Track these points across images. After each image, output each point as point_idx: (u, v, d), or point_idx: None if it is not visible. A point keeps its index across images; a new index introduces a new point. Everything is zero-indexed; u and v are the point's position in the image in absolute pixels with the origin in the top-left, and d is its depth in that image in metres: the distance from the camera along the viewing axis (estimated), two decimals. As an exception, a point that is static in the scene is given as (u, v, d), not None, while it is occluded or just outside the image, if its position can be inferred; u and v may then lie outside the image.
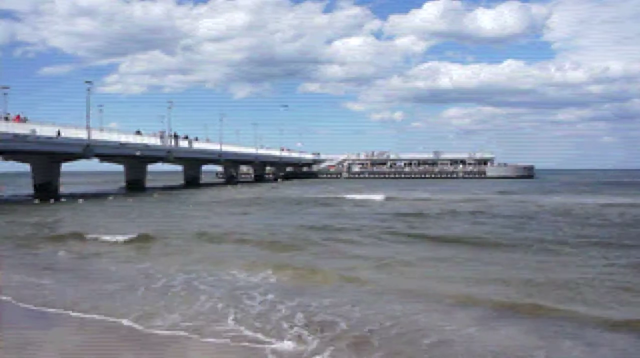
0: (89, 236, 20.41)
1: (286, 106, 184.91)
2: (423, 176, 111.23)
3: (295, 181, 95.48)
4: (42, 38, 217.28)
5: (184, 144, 69.36)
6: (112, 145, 54.42)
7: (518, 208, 34.26)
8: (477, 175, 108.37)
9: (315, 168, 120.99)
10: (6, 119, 43.18)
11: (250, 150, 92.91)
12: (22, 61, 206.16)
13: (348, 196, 47.31)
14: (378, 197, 46.38)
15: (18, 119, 44.31)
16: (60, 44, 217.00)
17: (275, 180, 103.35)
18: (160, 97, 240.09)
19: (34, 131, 43.82)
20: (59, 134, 46.42)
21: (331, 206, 36.68)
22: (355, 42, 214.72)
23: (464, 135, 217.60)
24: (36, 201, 40.27)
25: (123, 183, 66.48)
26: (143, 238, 19.73)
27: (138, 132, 62.18)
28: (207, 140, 79.83)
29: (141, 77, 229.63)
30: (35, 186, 50.75)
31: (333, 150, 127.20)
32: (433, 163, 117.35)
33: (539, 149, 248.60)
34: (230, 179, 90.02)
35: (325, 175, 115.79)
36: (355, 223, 25.34)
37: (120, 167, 67.65)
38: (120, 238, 19.40)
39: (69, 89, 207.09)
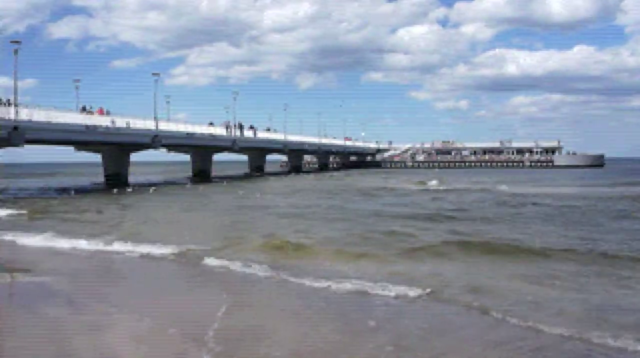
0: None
1: (340, 105, 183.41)
2: (489, 164, 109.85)
3: (359, 170, 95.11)
4: (113, 33, 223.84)
5: (248, 133, 69.70)
6: (179, 136, 55.46)
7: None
8: (544, 164, 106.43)
9: (379, 157, 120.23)
10: (83, 109, 44.66)
11: (314, 140, 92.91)
12: (94, 55, 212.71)
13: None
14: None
15: (101, 111, 45.90)
16: (130, 38, 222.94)
17: (339, 169, 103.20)
18: (226, 88, 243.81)
19: (113, 123, 45.42)
20: (128, 125, 47.77)
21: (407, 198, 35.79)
22: (420, 30, 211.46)
23: (531, 124, 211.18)
24: (114, 191, 41.20)
25: (190, 173, 67.53)
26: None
27: (211, 124, 63.01)
28: (273, 130, 79.99)
29: (208, 69, 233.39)
30: (106, 176, 52.30)
31: (397, 139, 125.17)
32: (499, 152, 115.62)
33: (609, 137, 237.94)
34: (294, 168, 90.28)
35: (389, 165, 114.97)
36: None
37: (186, 157, 68.88)
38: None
39: (138, 82, 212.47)
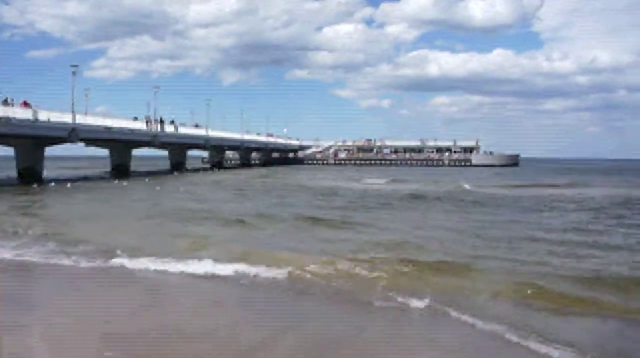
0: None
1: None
2: (408, 163, 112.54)
3: (282, 167, 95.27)
4: (29, 21, 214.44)
5: (170, 128, 68.79)
6: (97, 129, 53.50)
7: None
8: (462, 163, 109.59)
9: (301, 154, 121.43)
10: (5, 102, 42.59)
11: (237, 136, 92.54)
12: (9, 44, 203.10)
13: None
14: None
15: (24, 104, 43.98)
16: (48, 28, 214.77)
17: (262, 165, 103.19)
18: (148, 83, 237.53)
19: (35, 115, 43.52)
20: (37, 117, 45.69)
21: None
22: (345, 29, 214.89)
23: (451, 124, 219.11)
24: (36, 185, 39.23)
25: (108, 168, 65.67)
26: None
27: (135, 119, 62.17)
28: (196, 126, 79.35)
29: (129, 62, 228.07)
30: (19, 171, 50.05)
31: (320, 137, 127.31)
32: (419, 150, 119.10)
33: (525, 138, 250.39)
34: (216, 165, 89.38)
35: (311, 162, 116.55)
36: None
37: (105, 152, 67.06)
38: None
39: (56, 74, 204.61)
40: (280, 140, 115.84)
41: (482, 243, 15.74)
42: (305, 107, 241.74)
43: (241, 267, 12.19)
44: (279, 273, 11.80)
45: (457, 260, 13.03)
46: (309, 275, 11.70)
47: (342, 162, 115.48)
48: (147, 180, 50.47)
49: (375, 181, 51.90)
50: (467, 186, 44.15)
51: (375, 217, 22.06)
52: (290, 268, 11.96)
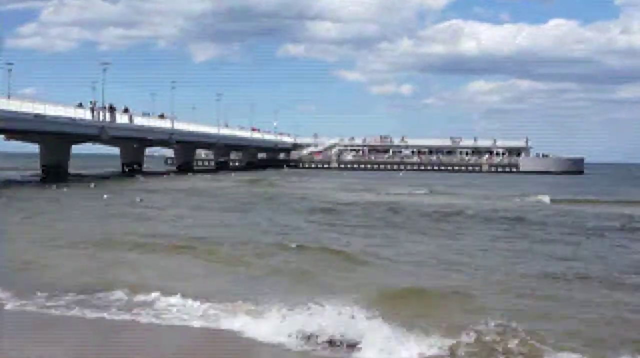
0: None
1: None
2: (436, 168, 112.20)
3: (271, 172, 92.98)
4: None
5: (123, 119, 68.21)
6: (23, 117, 52.07)
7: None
8: (507, 169, 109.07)
9: (295, 155, 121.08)
10: None
11: (211, 130, 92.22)
12: None
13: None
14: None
15: None
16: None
17: (244, 169, 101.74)
18: (95, 57, 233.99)
19: None
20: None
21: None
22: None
23: (492, 117, 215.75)
24: None
25: (38, 169, 63.55)
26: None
27: (80, 106, 61.74)
28: (162, 116, 79.14)
29: (69, 30, 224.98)
30: None
31: (320, 133, 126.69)
32: (449, 152, 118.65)
33: (590, 136, 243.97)
34: (184, 167, 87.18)
35: (307, 165, 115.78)
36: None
37: (35, 148, 65.03)
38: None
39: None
40: (269, 137, 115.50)
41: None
42: (302, 93, 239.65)
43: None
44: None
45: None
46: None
47: (349, 165, 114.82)
48: (92, 185, 49.94)
49: (402, 191, 51.05)
50: (544, 199, 42.04)
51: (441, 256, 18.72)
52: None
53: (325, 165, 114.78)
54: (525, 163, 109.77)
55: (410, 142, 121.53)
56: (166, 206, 34.43)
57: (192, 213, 30.96)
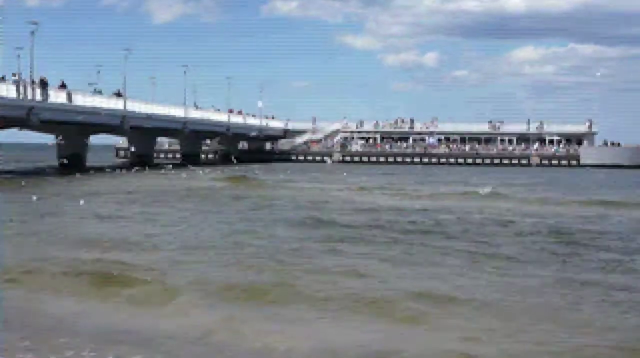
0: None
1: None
2: (470, 161, 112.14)
3: (255, 167, 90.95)
4: None
5: (59, 97, 67.99)
6: None
7: None
8: (563, 162, 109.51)
9: (286, 144, 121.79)
10: None
11: (177, 112, 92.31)
12: None
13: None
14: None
15: None
16: None
17: (222, 162, 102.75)
18: (20, 14, 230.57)
19: None
20: None
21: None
22: None
23: (544, 94, 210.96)
24: None
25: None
26: None
27: (2, 79, 60.87)
28: (118, 95, 79.28)
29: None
30: None
31: (319, 116, 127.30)
32: (488, 140, 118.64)
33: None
34: (141, 160, 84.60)
35: (303, 157, 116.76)
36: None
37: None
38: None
39: None
40: (252, 121, 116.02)
41: None
42: (296, 65, 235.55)
43: None
44: None
45: None
46: None
47: (355, 158, 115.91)
48: (23, 183, 50.71)
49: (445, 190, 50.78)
50: None
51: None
52: None
53: (326, 158, 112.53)
54: (587, 154, 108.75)
55: (436, 127, 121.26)
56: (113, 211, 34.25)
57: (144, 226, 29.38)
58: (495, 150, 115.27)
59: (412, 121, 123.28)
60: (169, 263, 19.58)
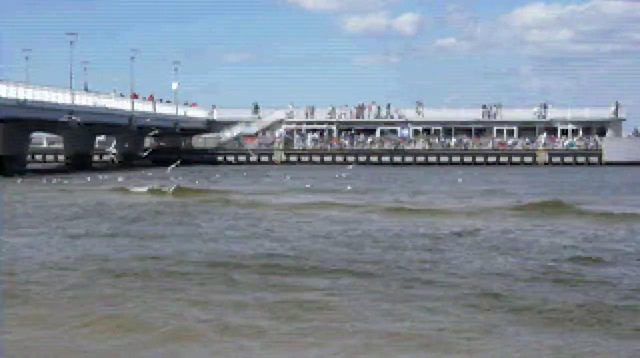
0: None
1: None
2: (457, 160, 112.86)
3: (160, 170, 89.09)
4: None
5: None
6: None
7: None
8: (581, 158, 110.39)
9: (211, 141, 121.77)
10: None
11: (59, 97, 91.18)
12: None
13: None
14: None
15: None
16: None
17: (123, 164, 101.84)
18: None
19: None
20: None
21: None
22: None
23: (555, 68, 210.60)
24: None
25: None
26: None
27: None
28: None
29: None
30: None
31: (261, 102, 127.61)
32: (480, 131, 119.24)
33: None
34: (7, 165, 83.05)
35: (235, 157, 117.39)
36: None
37: None
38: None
39: None
40: (165, 109, 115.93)
41: None
42: (227, 33, 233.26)
43: None
44: None
45: None
46: None
47: (303, 157, 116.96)
48: None
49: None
50: None
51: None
52: None
53: (264, 158, 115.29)
54: (613, 148, 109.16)
55: (411, 114, 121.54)
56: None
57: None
58: (490, 144, 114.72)
59: (379, 108, 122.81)
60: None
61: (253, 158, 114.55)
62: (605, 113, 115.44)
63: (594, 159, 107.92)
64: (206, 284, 25.14)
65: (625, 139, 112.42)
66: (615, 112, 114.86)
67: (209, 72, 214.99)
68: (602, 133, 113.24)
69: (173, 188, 59.38)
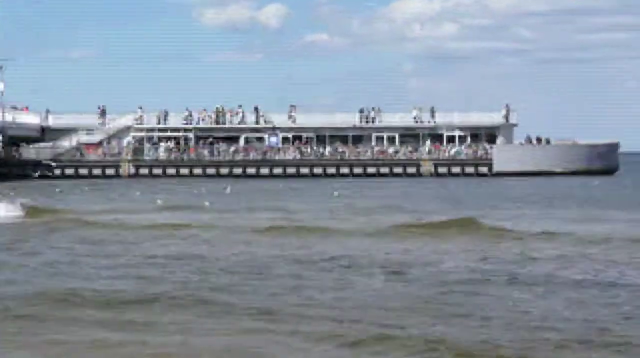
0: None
1: None
2: (332, 171, 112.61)
3: None
4: None
5: None
6: None
7: None
8: (469, 168, 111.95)
9: (46, 152, 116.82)
10: None
11: None
12: None
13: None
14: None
15: None
16: None
17: None
18: None
19: None
20: None
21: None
22: None
23: (440, 68, 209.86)
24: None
25: None
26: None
27: None
28: None
29: None
30: None
31: (108, 105, 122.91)
32: (357, 138, 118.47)
33: (623, 107, 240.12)
34: None
35: (75, 170, 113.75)
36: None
37: None
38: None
39: None
40: None
41: None
42: (68, 21, 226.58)
43: None
44: None
45: None
46: None
47: (155, 169, 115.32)
48: None
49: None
50: None
51: None
52: None
53: (110, 171, 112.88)
54: (503, 156, 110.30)
55: (283, 120, 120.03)
56: None
57: None
58: (369, 153, 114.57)
59: (243, 113, 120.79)
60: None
61: (96, 171, 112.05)
62: (495, 118, 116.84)
63: (483, 169, 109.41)
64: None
65: (517, 145, 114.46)
66: (506, 117, 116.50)
67: (45, 70, 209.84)
68: (492, 140, 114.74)
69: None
